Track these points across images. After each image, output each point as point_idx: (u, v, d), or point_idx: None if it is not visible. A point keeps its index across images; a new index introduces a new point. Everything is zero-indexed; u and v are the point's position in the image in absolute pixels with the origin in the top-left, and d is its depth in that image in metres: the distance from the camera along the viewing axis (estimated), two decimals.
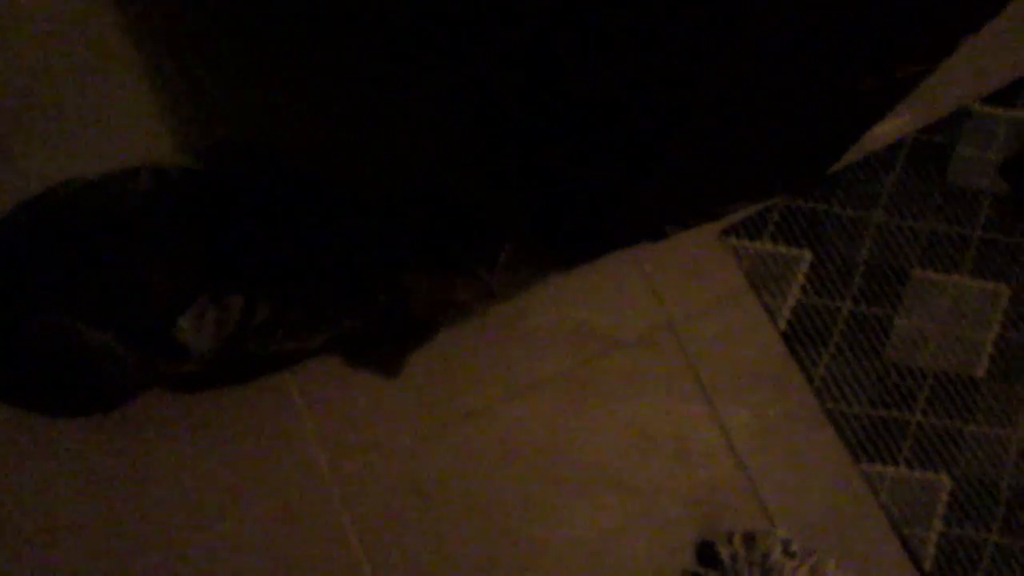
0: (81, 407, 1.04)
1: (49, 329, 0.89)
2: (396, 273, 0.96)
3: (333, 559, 1.04)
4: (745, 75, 0.78)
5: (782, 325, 1.18)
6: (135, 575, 1.01)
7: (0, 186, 1.07)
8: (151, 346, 0.92)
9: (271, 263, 0.93)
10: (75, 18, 1.17)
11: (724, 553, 1.06)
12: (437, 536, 1.06)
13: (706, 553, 1.08)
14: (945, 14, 0.83)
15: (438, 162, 1.17)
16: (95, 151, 1.12)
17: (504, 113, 1.19)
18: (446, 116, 1.19)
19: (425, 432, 1.09)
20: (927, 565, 1.11)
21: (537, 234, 1.16)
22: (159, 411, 1.06)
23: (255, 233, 0.93)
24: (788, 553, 1.06)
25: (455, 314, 1.11)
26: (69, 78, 1.15)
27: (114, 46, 1.17)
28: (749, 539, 1.07)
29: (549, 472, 1.10)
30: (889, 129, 1.26)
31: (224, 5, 1.19)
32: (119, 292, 0.90)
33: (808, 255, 1.21)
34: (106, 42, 1.17)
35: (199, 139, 1.14)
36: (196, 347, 0.92)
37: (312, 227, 0.95)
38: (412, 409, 1.10)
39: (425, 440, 1.09)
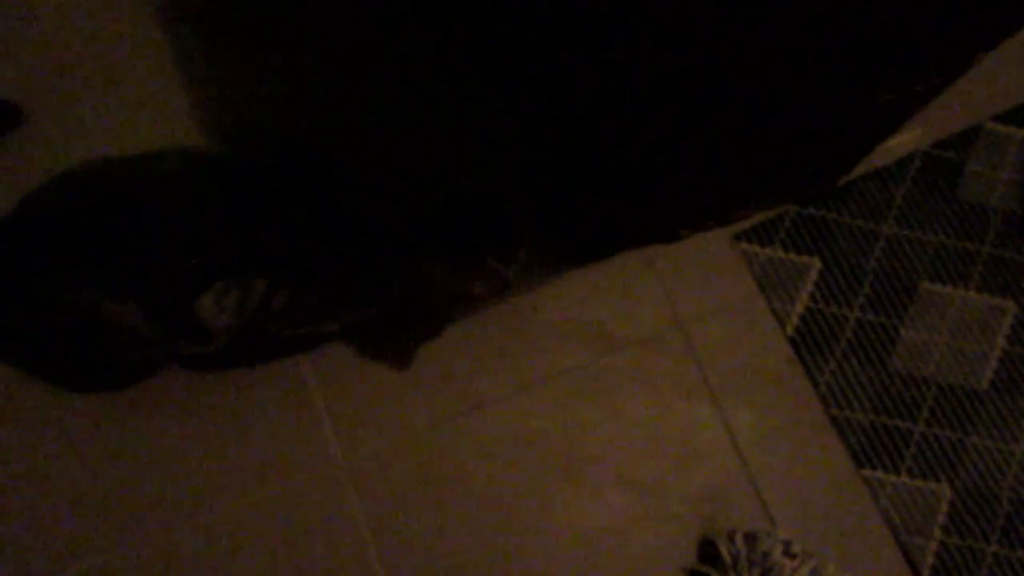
0: (101, 381, 1.06)
1: (74, 302, 0.91)
2: (413, 264, 0.97)
3: (341, 542, 1.06)
4: (765, 84, 0.79)
5: (790, 330, 1.19)
6: (145, 550, 1.03)
7: (32, 163, 1.09)
8: (172, 324, 0.93)
9: (293, 248, 0.95)
10: (108, 4, 1.20)
11: (725, 551, 1.07)
12: (443, 523, 1.08)
13: (708, 551, 1.10)
14: (964, 31, 0.85)
15: (459, 157, 1.19)
16: (125, 132, 1.14)
17: (526, 112, 1.21)
18: (469, 112, 1.21)
19: (436, 421, 1.11)
20: (926, 573, 1.12)
21: (553, 230, 1.18)
22: (175, 389, 1.08)
23: (278, 218, 0.95)
24: (789, 554, 1.07)
25: (468, 306, 1.13)
26: (100, 61, 1.17)
27: (146, 31, 1.19)
28: (750, 539, 1.08)
29: (556, 465, 1.11)
30: (902, 143, 1.28)
31: None
32: (143, 270, 0.92)
33: (818, 263, 1.22)
34: (140, 28, 1.19)
35: (227, 124, 1.16)
36: (215, 327, 0.94)
37: (334, 214, 0.97)
38: (424, 398, 1.11)
39: (435, 429, 1.11)
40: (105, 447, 1.05)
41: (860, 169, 1.25)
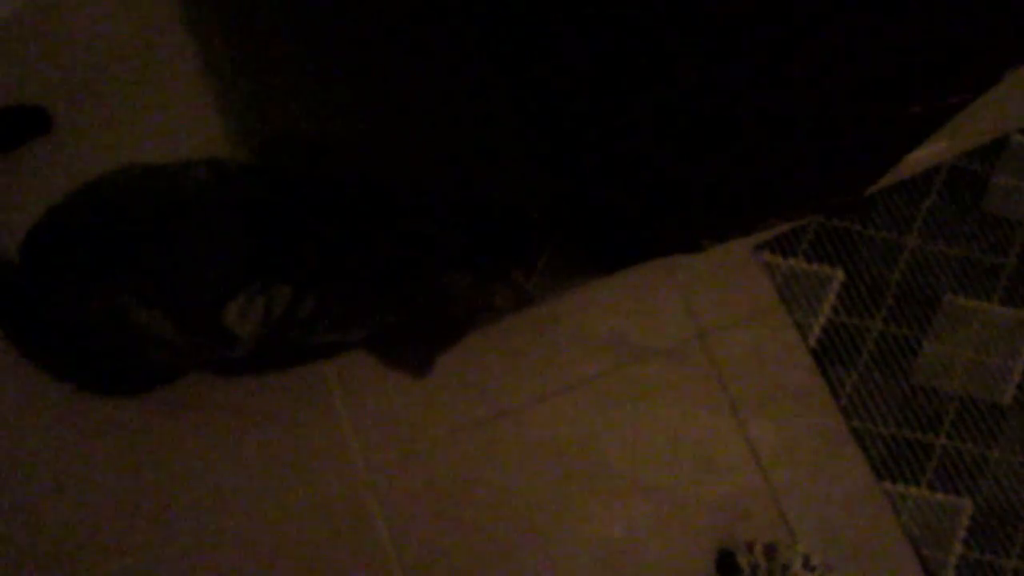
0: (129, 386, 1.07)
1: (103, 309, 0.92)
2: (436, 275, 0.98)
3: (362, 548, 1.07)
4: (792, 97, 0.79)
5: (812, 342, 1.19)
6: (167, 552, 1.04)
7: (61, 169, 1.10)
8: (199, 330, 0.94)
9: (319, 257, 0.95)
10: (138, 13, 1.21)
11: (744, 562, 1.07)
12: (463, 530, 1.09)
13: (726, 562, 1.10)
14: (996, 46, 0.84)
15: (484, 167, 1.19)
16: (156, 141, 1.16)
17: (551, 123, 1.21)
18: (495, 123, 1.21)
19: (457, 429, 1.12)
20: None
21: (576, 241, 1.18)
22: (201, 394, 1.09)
23: (305, 227, 0.96)
24: (808, 567, 1.07)
25: (489, 317, 1.14)
26: (132, 71, 1.19)
27: (176, 42, 1.20)
28: (770, 550, 1.09)
29: (575, 473, 1.12)
30: (927, 155, 1.28)
31: (283, 3, 1.22)
32: (172, 276, 0.92)
33: (840, 274, 1.22)
34: (169, 37, 1.20)
35: (255, 134, 1.17)
36: (242, 333, 0.95)
37: (360, 225, 0.97)
38: (445, 406, 1.12)
39: (456, 436, 1.11)
40: (130, 451, 1.07)
41: (885, 181, 1.24)
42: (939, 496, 1.16)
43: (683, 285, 1.20)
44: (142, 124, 1.16)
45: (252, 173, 0.98)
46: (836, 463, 1.16)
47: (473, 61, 1.24)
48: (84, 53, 1.18)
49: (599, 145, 1.09)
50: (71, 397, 1.07)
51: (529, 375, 1.15)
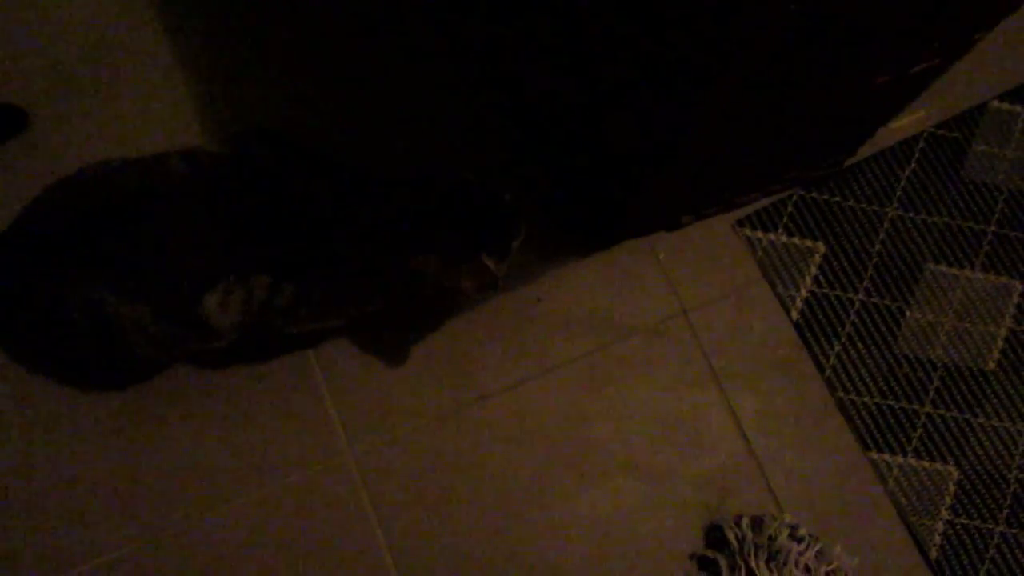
0: (111, 379, 1.08)
1: (84, 302, 0.93)
2: (406, 259, 0.98)
3: (350, 533, 1.07)
4: (761, 68, 0.79)
5: (794, 315, 1.19)
6: (157, 544, 1.05)
7: (38, 166, 1.10)
8: (179, 322, 0.95)
9: (295, 246, 0.96)
10: (113, 9, 1.21)
11: (732, 536, 1.08)
12: (452, 512, 1.09)
13: (714, 536, 1.11)
14: (959, 11, 0.84)
15: (457, 149, 1.19)
16: (129, 134, 1.16)
17: (525, 101, 1.21)
18: (467, 103, 1.21)
19: (442, 413, 1.12)
20: (933, 554, 1.13)
21: (555, 220, 1.19)
22: (185, 385, 1.09)
23: (280, 217, 0.96)
24: (795, 537, 1.08)
25: (466, 302, 1.14)
26: (104, 64, 1.19)
27: (150, 36, 1.20)
28: (757, 523, 1.09)
29: (562, 454, 1.12)
30: (906, 124, 1.28)
31: None
32: (150, 269, 0.93)
33: (822, 247, 1.22)
34: (143, 32, 1.20)
35: (228, 125, 1.17)
36: (221, 324, 0.95)
37: (333, 212, 0.97)
38: (430, 390, 1.13)
39: (442, 420, 1.12)
40: (119, 444, 1.07)
41: (864, 151, 1.24)
42: (925, 464, 1.16)
43: (664, 263, 1.20)
44: (117, 119, 1.16)
45: (226, 163, 0.99)
46: (822, 435, 1.16)
47: (444, 44, 1.23)
48: (59, 50, 1.18)
49: (575, 123, 1.10)
50: (57, 392, 1.07)
51: (513, 357, 1.15)
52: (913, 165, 1.27)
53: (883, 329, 1.20)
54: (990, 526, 1.15)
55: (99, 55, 1.19)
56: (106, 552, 1.04)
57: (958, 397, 1.19)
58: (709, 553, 1.09)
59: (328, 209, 0.97)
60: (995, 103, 1.30)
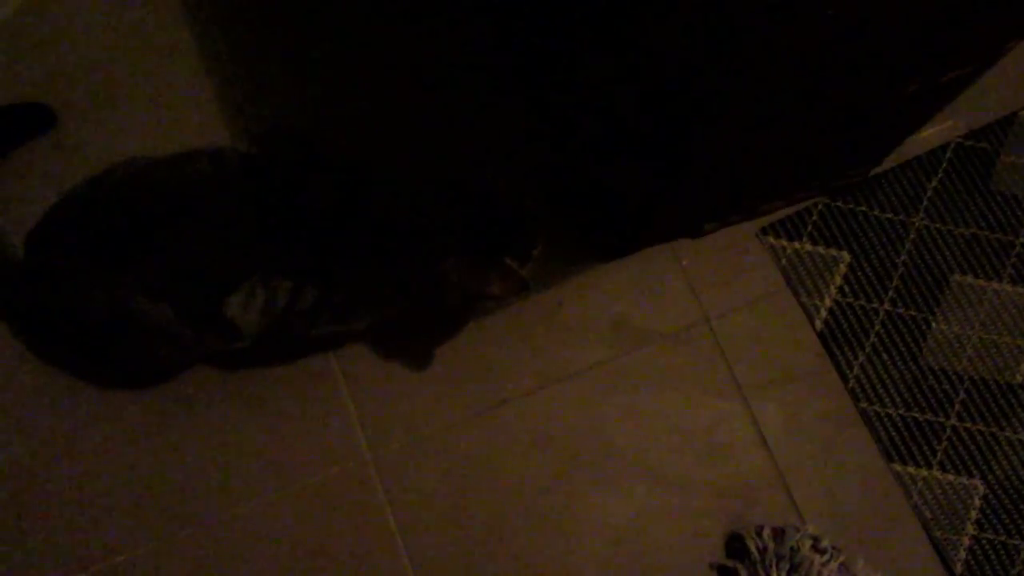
0: (133, 379, 1.08)
1: (108, 301, 0.93)
2: (432, 263, 0.98)
3: (369, 536, 1.07)
4: (790, 76, 0.79)
5: (818, 325, 1.18)
6: (177, 542, 1.05)
7: (63, 164, 1.11)
8: (202, 322, 0.95)
9: (319, 248, 0.96)
10: (137, 11, 1.21)
11: (753, 546, 1.07)
12: (469, 517, 1.09)
13: (735, 546, 1.09)
14: (991, 19, 0.83)
15: (479, 157, 1.19)
16: (155, 133, 1.16)
17: (550, 108, 1.21)
18: (492, 109, 1.21)
19: (461, 416, 1.12)
20: (958, 569, 1.11)
21: (578, 226, 1.18)
22: (207, 386, 1.09)
23: (305, 219, 0.96)
24: (817, 549, 1.07)
25: (488, 306, 1.14)
26: (133, 66, 1.19)
27: (176, 33, 1.21)
28: (778, 534, 1.08)
29: (581, 459, 1.12)
30: (934, 134, 1.26)
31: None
32: (174, 269, 0.93)
33: (847, 256, 1.21)
34: (168, 30, 1.21)
35: (256, 125, 1.18)
36: (244, 326, 0.95)
37: (358, 215, 0.97)
38: (449, 394, 1.12)
39: (461, 424, 1.11)
40: (135, 444, 1.08)
41: (891, 161, 1.23)
42: (950, 477, 1.15)
43: (687, 270, 1.19)
44: (143, 118, 1.17)
45: (252, 164, 0.99)
46: (845, 446, 1.15)
47: (470, 49, 1.23)
48: (85, 50, 1.19)
49: (599, 129, 1.09)
50: (79, 391, 1.08)
51: (534, 362, 1.14)
52: (940, 175, 1.25)
53: (908, 340, 1.19)
54: (1016, 542, 1.13)
55: (127, 54, 1.20)
56: (124, 551, 1.04)
57: (984, 410, 1.17)
58: (729, 563, 1.08)
59: (352, 212, 0.97)
60: None
